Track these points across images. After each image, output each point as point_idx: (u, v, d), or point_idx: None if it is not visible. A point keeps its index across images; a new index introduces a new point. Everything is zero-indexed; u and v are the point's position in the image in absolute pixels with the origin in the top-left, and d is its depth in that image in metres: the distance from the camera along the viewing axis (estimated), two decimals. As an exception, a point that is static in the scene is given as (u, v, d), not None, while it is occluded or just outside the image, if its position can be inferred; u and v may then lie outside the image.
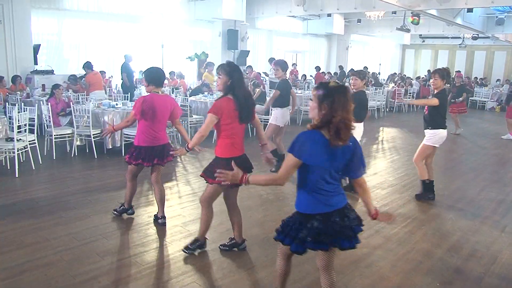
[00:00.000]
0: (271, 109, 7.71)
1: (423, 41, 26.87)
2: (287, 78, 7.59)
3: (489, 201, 6.25)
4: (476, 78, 22.95)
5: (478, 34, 20.85)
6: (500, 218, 5.58)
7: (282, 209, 5.45)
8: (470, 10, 15.68)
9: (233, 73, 3.78)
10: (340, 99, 2.52)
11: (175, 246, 4.38)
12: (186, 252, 4.18)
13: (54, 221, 4.91)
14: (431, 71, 8.64)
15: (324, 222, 2.64)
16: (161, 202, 4.91)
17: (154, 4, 14.02)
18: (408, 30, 16.75)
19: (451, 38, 24.27)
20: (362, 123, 6.01)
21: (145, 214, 5.26)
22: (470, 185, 7.04)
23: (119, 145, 8.11)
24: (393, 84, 18.06)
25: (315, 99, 2.61)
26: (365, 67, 18.94)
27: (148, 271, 3.88)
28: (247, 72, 13.80)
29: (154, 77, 4.69)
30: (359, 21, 20.09)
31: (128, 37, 14.34)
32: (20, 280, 3.64)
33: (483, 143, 10.92)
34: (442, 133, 5.89)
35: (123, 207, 5.10)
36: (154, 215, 5.03)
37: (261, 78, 15.04)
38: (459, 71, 20.91)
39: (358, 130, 5.76)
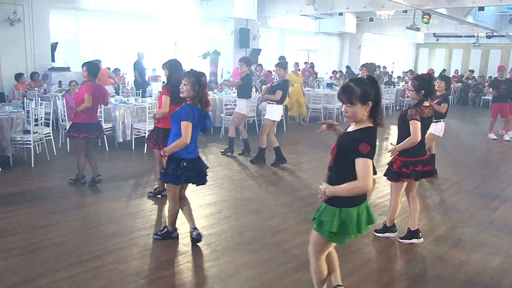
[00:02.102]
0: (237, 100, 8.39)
1: (437, 40, 26.79)
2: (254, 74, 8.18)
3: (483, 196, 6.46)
4: (490, 77, 22.83)
5: (492, 33, 20.78)
6: (491, 212, 5.79)
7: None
8: (481, 8, 15.69)
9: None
10: None
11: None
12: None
13: (65, 207, 5.30)
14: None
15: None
16: None
17: (168, 3, 14.40)
18: (418, 29, 16.83)
19: (465, 37, 24.18)
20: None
21: (150, 202, 5.62)
22: (467, 180, 7.24)
23: (129, 139, 8.49)
24: (403, 83, 18.17)
25: None
26: (372, 63, 19.01)
27: (148, 251, 4.23)
28: (257, 70, 14.08)
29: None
30: (371, 20, 20.18)
31: (142, 35, 14.74)
32: (33, 256, 4.03)
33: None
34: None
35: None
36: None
37: (272, 76, 15.32)
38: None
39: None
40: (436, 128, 6.77)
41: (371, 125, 2.78)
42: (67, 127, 7.96)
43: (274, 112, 7.48)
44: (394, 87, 15.75)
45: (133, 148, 8.37)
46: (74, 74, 11.42)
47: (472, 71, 22.37)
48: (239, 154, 8.20)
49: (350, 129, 2.85)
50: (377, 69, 16.45)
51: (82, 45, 13.75)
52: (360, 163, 2.63)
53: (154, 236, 4.50)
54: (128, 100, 9.09)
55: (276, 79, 7.92)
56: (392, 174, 4.40)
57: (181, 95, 4.13)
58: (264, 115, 7.72)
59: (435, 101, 6.61)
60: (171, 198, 4.35)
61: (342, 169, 2.78)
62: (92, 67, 5.95)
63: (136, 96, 10.67)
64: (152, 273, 3.83)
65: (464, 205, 6.01)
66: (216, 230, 4.80)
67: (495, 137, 11.15)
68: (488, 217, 5.54)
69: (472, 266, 4.18)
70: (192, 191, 6.01)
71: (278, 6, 16.29)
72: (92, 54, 13.68)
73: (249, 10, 15.02)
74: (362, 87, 2.72)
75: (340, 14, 18.34)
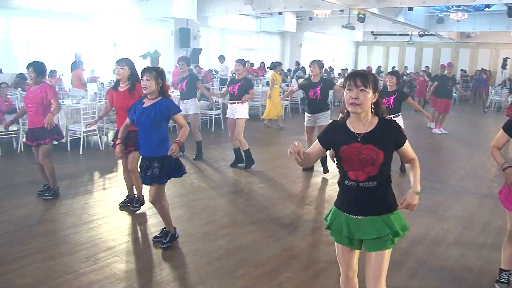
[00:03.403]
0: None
1: (375, 38, 27.83)
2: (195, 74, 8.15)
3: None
4: (429, 74, 24.01)
5: (424, 32, 21.88)
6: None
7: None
8: (410, 9, 16.52)
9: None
10: None
11: (105, 227, 4.84)
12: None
13: (-7, 210, 5.27)
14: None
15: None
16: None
17: (105, 3, 14.23)
18: (353, 28, 17.49)
19: (399, 35, 25.33)
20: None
21: (82, 201, 5.67)
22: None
23: (64, 140, 8.40)
24: (342, 80, 18.83)
25: None
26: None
27: (76, 248, 4.32)
28: (196, 70, 14.21)
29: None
30: (310, 19, 20.66)
31: (79, 36, 14.48)
32: (-44, 259, 4.02)
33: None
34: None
35: None
36: None
37: (211, 75, 15.53)
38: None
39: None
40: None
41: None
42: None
43: (245, 111, 7.39)
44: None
45: (69, 149, 8.31)
46: (6, 76, 11.11)
47: (406, 68, 23.42)
48: (194, 159, 7.94)
49: (365, 129, 2.58)
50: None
51: (15, 46, 13.35)
52: (409, 144, 2.65)
53: (163, 246, 4.31)
54: (63, 101, 8.99)
55: (216, 78, 7.94)
56: None
57: (144, 92, 4.15)
58: (227, 115, 7.58)
59: (392, 97, 6.96)
60: (163, 198, 4.31)
61: (388, 166, 2.62)
62: (40, 67, 5.54)
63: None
64: (80, 268, 3.93)
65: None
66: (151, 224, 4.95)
67: (437, 131, 11.61)
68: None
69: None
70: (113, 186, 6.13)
71: (218, 6, 16.45)
72: (27, 56, 13.33)
73: (188, 10, 15.08)
74: (373, 75, 2.62)
75: (280, 13, 18.73)
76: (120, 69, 5.11)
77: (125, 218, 5.15)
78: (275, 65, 12.34)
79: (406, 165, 2.75)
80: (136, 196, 5.36)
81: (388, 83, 7.14)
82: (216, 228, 4.91)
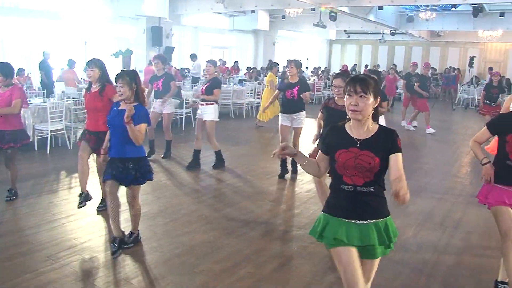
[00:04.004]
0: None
1: (349, 37, 28.18)
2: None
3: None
4: (397, 71, 24.44)
5: (395, 30, 22.28)
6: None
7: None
8: (381, 8, 16.83)
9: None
10: None
11: (68, 226, 4.85)
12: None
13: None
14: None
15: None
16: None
17: (75, 0, 14.07)
18: (324, 26, 17.70)
19: (372, 34, 25.72)
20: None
21: (47, 200, 5.65)
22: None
23: (31, 140, 8.31)
24: (315, 77, 19.03)
25: None
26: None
27: (38, 247, 4.30)
28: (166, 69, 14.16)
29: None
30: (283, 17, 20.85)
31: (48, 34, 14.29)
32: None
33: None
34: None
35: None
36: None
37: (185, 73, 15.53)
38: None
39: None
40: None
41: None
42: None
43: (214, 112, 7.31)
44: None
45: (36, 149, 8.22)
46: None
47: (378, 65, 23.78)
48: (162, 157, 7.95)
49: (365, 135, 2.56)
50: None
51: (-20, 44, 13.12)
52: (400, 157, 2.52)
53: (126, 247, 4.32)
54: (30, 100, 8.87)
55: (189, 76, 7.87)
56: None
57: (119, 98, 4.16)
58: (196, 116, 7.50)
59: None
60: (138, 199, 4.41)
61: (384, 173, 2.58)
62: (7, 69, 5.35)
63: (43, 96, 10.41)
64: (40, 267, 3.93)
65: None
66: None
67: (410, 127, 11.97)
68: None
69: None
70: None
71: (190, 4, 16.45)
72: (-7, 54, 13.12)
73: (160, 8, 15.06)
74: (374, 80, 2.57)
75: (253, 11, 18.81)
76: (90, 71, 5.08)
77: (90, 217, 5.14)
78: (271, 66, 12.21)
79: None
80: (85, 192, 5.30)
81: None
82: (180, 225, 4.96)
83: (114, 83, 4.61)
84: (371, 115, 2.55)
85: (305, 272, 4.03)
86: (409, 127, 12.01)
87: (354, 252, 2.57)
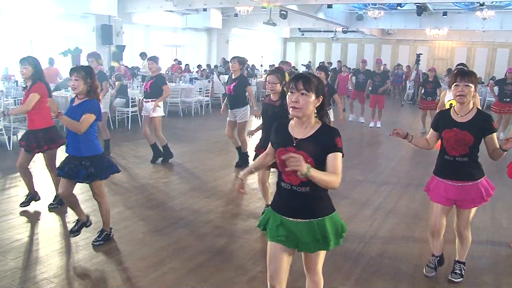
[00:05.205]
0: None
1: (302, 35, 28.55)
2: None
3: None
4: (349, 68, 24.95)
5: (347, 28, 22.73)
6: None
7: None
8: (330, 6, 17.12)
9: None
10: None
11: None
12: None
13: None
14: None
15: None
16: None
17: (19, -2, 13.70)
18: (274, 24, 17.90)
19: (325, 32, 26.16)
20: None
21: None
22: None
23: None
24: (265, 76, 19.22)
25: None
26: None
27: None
28: (115, 67, 14.06)
29: None
30: (236, 15, 20.86)
31: (-9, 32, 13.88)
32: None
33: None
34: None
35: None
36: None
37: (135, 72, 15.41)
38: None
39: None
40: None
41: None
42: None
43: (160, 108, 7.39)
44: (255, 79, 16.77)
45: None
46: None
47: (330, 63, 24.21)
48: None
49: (304, 134, 2.56)
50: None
51: None
52: (338, 157, 2.50)
53: (96, 243, 4.41)
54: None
55: (139, 75, 7.79)
56: None
57: (73, 92, 4.18)
58: (143, 114, 7.53)
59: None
60: (105, 195, 4.49)
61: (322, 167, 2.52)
62: None
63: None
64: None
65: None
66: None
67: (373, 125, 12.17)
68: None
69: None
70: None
71: (140, 2, 16.28)
72: None
73: (109, 6, 14.86)
74: (318, 78, 2.56)
75: (205, 10, 18.79)
76: (23, 69, 5.04)
77: (22, 217, 5.13)
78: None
79: None
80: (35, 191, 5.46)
81: None
82: (112, 223, 4.99)
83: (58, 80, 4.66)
84: (312, 114, 2.55)
85: (230, 267, 4.17)
86: (375, 125, 12.17)
87: (281, 247, 2.67)
